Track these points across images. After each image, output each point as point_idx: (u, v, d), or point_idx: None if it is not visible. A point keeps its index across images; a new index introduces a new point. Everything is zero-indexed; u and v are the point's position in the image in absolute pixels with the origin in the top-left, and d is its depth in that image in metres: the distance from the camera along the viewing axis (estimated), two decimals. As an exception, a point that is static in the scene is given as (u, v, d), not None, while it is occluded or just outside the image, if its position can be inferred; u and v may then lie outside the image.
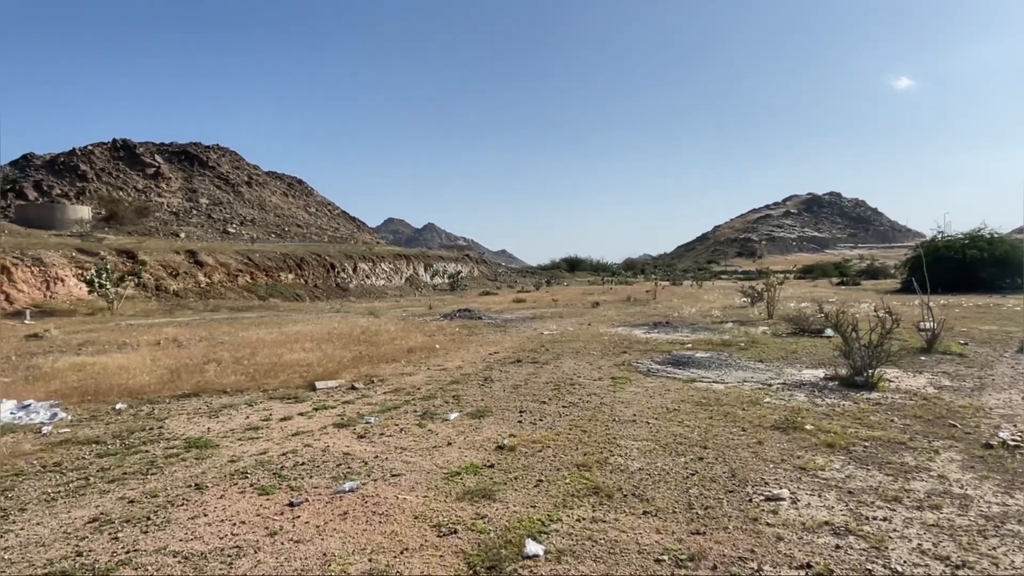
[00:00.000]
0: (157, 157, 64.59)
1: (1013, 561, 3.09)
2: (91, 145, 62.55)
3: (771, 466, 4.56)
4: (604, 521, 3.61)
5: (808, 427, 5.55)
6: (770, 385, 7.60)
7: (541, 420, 6.03)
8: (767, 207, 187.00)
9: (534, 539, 3.34)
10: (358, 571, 3.05)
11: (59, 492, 4.23)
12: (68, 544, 3.40)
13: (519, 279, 58.74)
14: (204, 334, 13.78)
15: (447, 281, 43.98)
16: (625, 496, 4.00)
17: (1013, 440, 5.02)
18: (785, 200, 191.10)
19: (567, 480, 4.30)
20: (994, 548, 3.23)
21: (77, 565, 3.13)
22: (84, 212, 41.90)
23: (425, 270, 47.14)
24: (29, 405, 6.52)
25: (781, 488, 4.10)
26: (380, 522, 3.65)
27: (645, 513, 3.73)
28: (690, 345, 11.38)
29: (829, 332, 11.33)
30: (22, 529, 3.61)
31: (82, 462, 4.91)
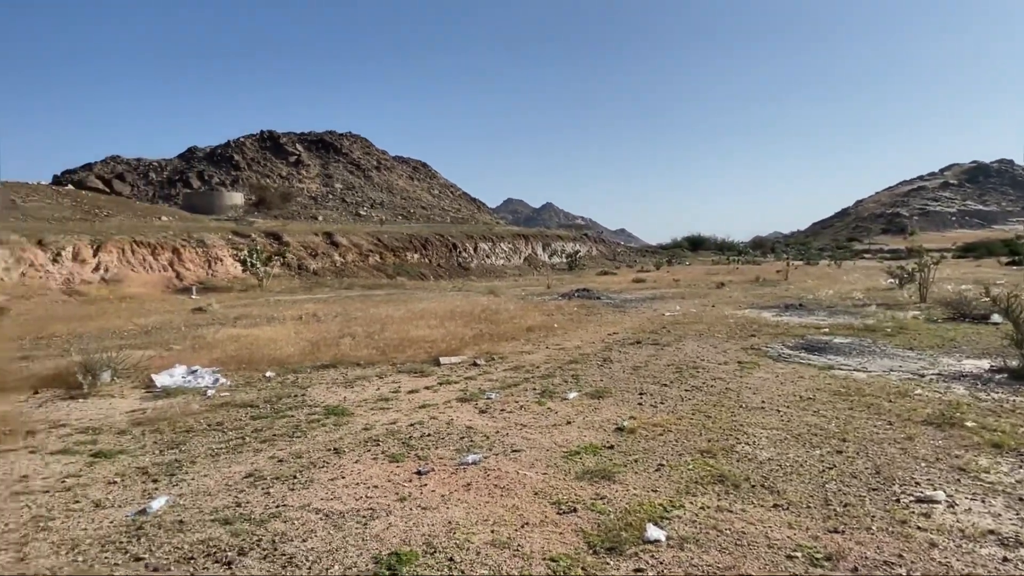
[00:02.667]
0: (298, 146, 69.93)
1: None
2: (243, 137, 68.97)
3: (923, 465, 4.14)
4: (730, 511, 3.46)
5: (969, 424, 4.97)
6: (922, 375, 6.88)
7: (662, 403, 5.88)
8: (920, 178, 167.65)
9: (655, 524, 3.27)
10: (481, 541, 3.15)
11: (221, 449, 4.75)
12: (230, 495, 3.81)
13: (638, 259, 57.46)
14: (339, 310, 14.81)
15: (565, 261, 43.95)
16: (753, 487, 3.81)
17: None
18: (943, 170, 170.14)
19: (690, 466, 4.17)
20: None
21: (237, 515, 3.50)
22: (238, 198, 46.38)
23: (543, 250, 47.43)
24: (196, 371, 7.36)
25: (935, 490, 3.71)
26: (501, 495, 3.75)
27: (775, 506, 3.53)
28: (827, 329, 10.57)
29: (997, 318, 10.04)
30: (193, 479, 4.09)
31: (239, 423, 5.47)
